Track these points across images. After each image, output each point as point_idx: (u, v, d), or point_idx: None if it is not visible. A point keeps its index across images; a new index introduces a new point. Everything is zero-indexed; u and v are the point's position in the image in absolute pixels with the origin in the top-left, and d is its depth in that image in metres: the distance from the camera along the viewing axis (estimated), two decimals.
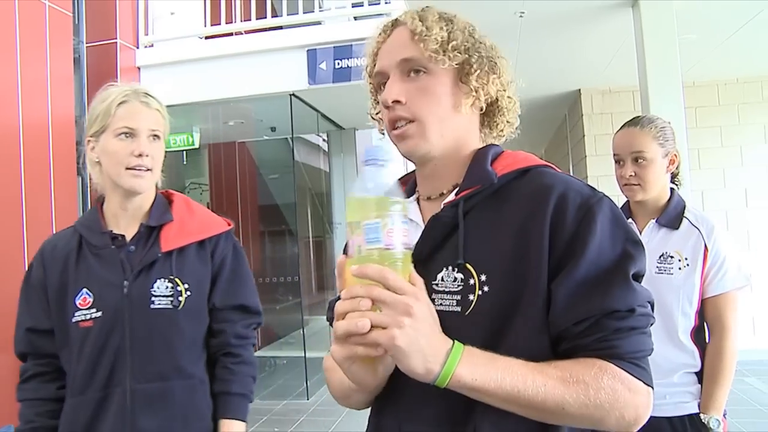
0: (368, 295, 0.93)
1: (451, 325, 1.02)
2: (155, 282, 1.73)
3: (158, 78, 6.60)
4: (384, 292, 0.93)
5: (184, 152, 7.70)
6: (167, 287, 1.73)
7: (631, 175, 2.20)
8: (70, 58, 5.57)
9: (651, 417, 2.02)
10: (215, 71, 6.57)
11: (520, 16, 5.14)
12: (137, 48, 6.64)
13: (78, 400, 1.72)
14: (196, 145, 7.39)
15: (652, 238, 2.20)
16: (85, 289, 1.74)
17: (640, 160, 2.20)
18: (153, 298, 1.72)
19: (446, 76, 1.15)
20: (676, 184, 2.33)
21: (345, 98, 6.88)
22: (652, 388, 1.03)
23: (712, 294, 2.12)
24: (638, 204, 2.27)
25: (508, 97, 1.22)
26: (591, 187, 1.09)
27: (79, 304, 1.73)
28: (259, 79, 6.50)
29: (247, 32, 6.93)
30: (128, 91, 1.76)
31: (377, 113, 1.27)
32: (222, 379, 1.85)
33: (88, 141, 1.78)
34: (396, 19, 1.21)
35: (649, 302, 1.05)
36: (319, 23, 6.62)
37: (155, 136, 1.76)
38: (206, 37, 6.88)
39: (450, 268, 1.09)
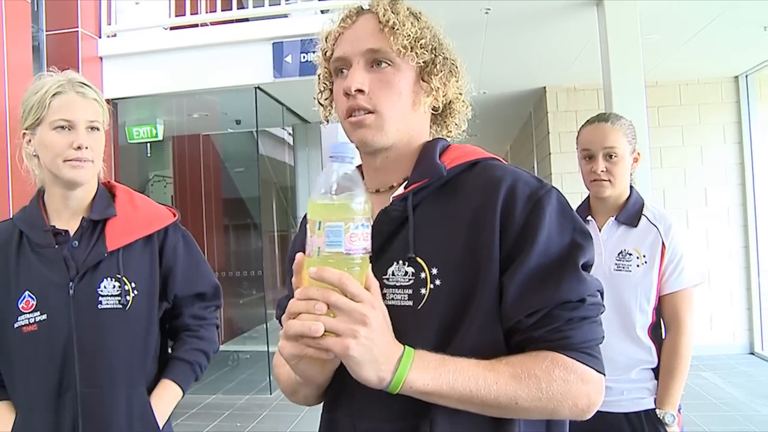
0: (324, 300, 0.92)
1: (404, 320, 1.03)
2: (102, 281, 1.68)
3: (121, 68, 6.50)
4: (341, 299, 0.92)
5: (148, 144, 7.59)
6: (114, 286, 1.68)
7: (602, 171, 2.21)
8: (29, 46, 5.46)
9: (608, 413, 2.08)
10: (180, 63, 6.49)
11: (486, 13, 5.14)
12: (99, 38, 6.52)
13: (29, 415, 1.66)
14: (160, 137, 7.29)
15: (611, 235, 2.22)
16: (27, 292, 1.67)
17: (612, 156, 2.21)
18: (100, 298, 1.67)
19: (410, 72, 1.15)
20: (631, 181, 2.35)
21: (310, 92, 6.58)
22: (604, 375, 1.05)
23: (669, 291, 2.15)
24: (599, 201, 2.29)
25: (463, 101, 1.24)
26: (538, 178, 1.10)
27: (22, 307, 1.66)
28: (225, 71, 6.44)
29: (213, 23, 6.86)
30: (63, 81, 1.69)
31: (326, 99, 1.26)
32: (173, 348, 1.86)
33: (24, 134, 1.72)
34: (361, 7, 1.20)
35: (598, 291, 1.07)
36: (285, 16, 6.56)
37: (94, 127, 1.70)
38: (171, 28, 6.78)
39: (400, 262, 1.09)
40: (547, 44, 6.01)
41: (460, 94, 1.22)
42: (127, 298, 1.69)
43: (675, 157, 7.25)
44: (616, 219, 2.24)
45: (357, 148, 1.16)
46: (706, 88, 7.37)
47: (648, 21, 4.97)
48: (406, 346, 0.99)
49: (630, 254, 2.17)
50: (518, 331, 1.04)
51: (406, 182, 1.16)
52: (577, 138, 2.33)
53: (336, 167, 0.96)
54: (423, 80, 1.17)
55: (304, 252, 0.98)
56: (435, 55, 1.16)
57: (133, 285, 1.71)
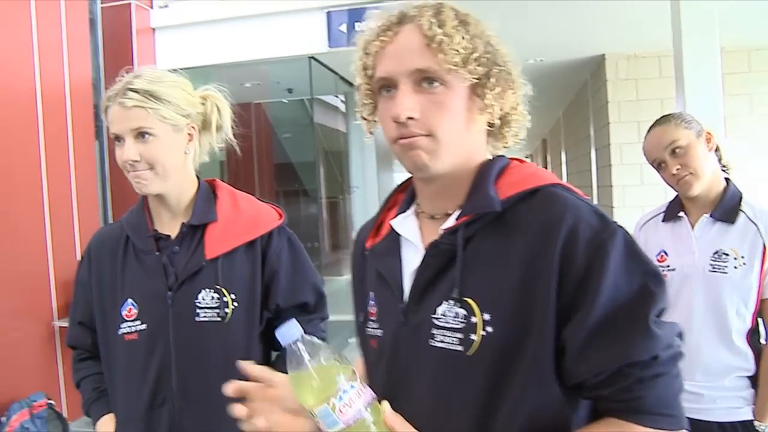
0: None
1: (453, 366, 0.99)
2: (200, 292, 1.62)
3: (173, 39, 6.46)
4: None
5: None
6: (213, 298, 1.61)
7: (677, 169, 2.08)
8: (86, 19, 5.45)
9: (700, 420, 1.97)
10: (232, 33, 6.40)
11: None
12: (152, 9, 6.48)
13: (127, 426, 1.64)
14: None
15: (705, 233, 2.09)
16: (130, 299, 1.64)
17: (677, 150, 2.08)
18: (198, 310, 1.61)
19: (463, 90, 1.03)
20: (726, 171, 2.21)
21: None
22: (686, 429, 0.96)
23: None
24: (690, 199, 2.16)
25: (521, 111, 1.10)
26: (603, 216, 0.98)
27: (125, 315, 1.63)
28: (278, 41, 6.35)
29: None
30: (112, 93, 1.60)
31: (369, 114, 1.12)
32: (274, 364, 1.71)
33: None
34: (403, 14, 1.04)
35: (678, 335, 0.97)
36: None
37: (143, 133, 1.58)
38: None
39: (451, 302, 1.01)
40: (607, 9, 5.77)
41: (518, 105, 1.09)
42: (226, 310, 1.62)
43: (743, 127, 6.95)
44: (711, 215, 2.10)
45: (410, 172, 1.08)
46: None
47: None
48: None
49: (726, 254, 2.04)
50: (585, 388, 0.96)
51: (459, 212, 1.05)
52: (645, 155, 2.20)
53: (296, 348, 0.96)
54: (477, 96, 1.04)
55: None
56: (489, 69, 1.03)
57: (232, 296, 1.64)
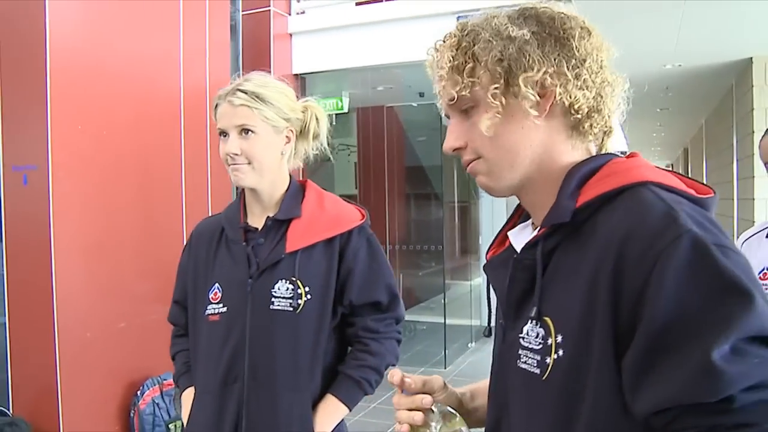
0: None
1: (533, 390, 0.94)
2: (277, 282, 1.74)
3: (309, 44, 6.72)
4: None
5: (334, 115, 7.84)
6: (288, 289, 1.73)
7: None
8: (227, 26, 5.78)
9: None
10: (365, 37, 6.58)
11: None
12: (289, 15, 6.77)
13: (203, 398, 1.79)
14: (345, 110, 7.48)
15: None
16: (216, 284, 1.80)
17: None
18: (273, 299, 1.73)
19: (490, 101, 0.96)
20: None
21: None
22: None
23: None
24: None
25: (603, 82, 0.97)
26: (673, 217, 0.82)
27: (212, 298, 1.79)
28: (410, 45, 6.45)
29: None
30: (222, 93, 1.79)
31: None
32: (344, 362, 1.85)
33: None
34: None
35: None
36: None
37: (246, 130, 1.74)
38: (357, 4, 6.89)
39: (533, 321, 0.95)
40: (756, 9, 5.43)
41: (601, 95, 0.97)
42: (299, 301, 1.73)
43: None
44: None
45: None
46: None
47: None
48: None
49: None
50: (656, 430, 0.81)
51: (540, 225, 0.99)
52: (760, 151, 2.09)
53: None
54: (513, 95, 0.95)
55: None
56: (510, 62, 0.94)
57: (307, 289, 1.75)
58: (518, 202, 1.11)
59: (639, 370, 0.80)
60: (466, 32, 1.00)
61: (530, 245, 0.98)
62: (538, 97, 0.95)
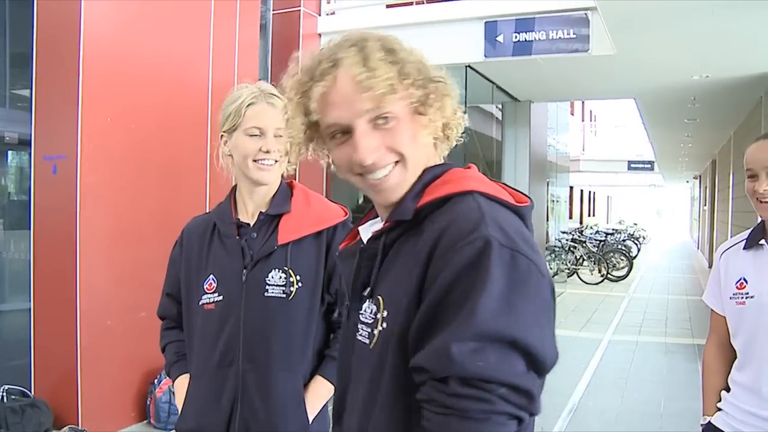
0: None
1: (362, 359, 1.08)
2: (270, 272, 1.84)
3: None
4: None
5: None
6: (281, 277, 1.84)
7: (765, 190, 1.98)
8: (257, 25, 5.88)
9: None
10: None
11: None
12: (319, 15, 6.86)
13: (199, 382, 1.89)
14: None
15: None
16: (211, 275, 1.90)
17: None
18: (267, 287, 1.84)
19: (405, 113, 1.07)
20: None
21: (522, 71, 6.75)
22: None
23: None
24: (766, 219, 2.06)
25: (459, 114, 1.14)
26: (478, 224, 0.97)
27: (206, 288, 1.89)
28: (437, 48, 6.49)
29: (429, 1, 6.93)
30: (257, 92, 1.88)
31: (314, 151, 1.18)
32: (329, 345, 1.97)
33: (222, 136, 1.93)
34: (335, 59, 1.07)
35: (512, 385, 0.90)
36: None
37: (279, 135, 1.85)
38: (387, 6, 6.96)
39: (370, 299, 1.09)
40: None
41: (456, 109, 1.13)
42: (291, 289, 1.84)
43: None
44: None
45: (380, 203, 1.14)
46: None
47: None
48: None
49: None
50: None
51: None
52: (744, 157, 2.10)
53: None
54: (419, 114, 1.08)
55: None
56: (426, 87, 1.07)
57: (298, 278, 1.86)
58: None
59: (412, 332, 0.96)
60: (382, 44, 1.11)
61: (375, 237, 1.13)
62: (434, 122, 1.12)
